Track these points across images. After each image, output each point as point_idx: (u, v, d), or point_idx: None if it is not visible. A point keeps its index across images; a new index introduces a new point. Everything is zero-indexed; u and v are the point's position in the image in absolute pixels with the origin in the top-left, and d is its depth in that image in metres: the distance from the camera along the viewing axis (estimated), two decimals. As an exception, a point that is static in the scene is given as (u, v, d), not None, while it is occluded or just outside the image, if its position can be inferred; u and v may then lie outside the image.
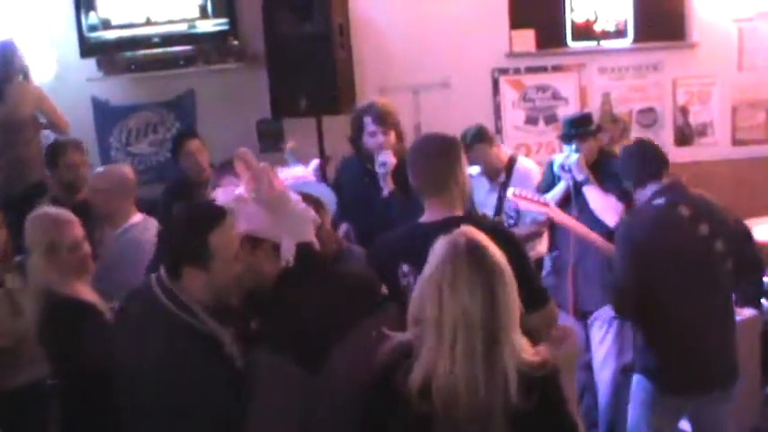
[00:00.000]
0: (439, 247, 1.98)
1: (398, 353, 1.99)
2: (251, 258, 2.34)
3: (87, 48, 5.68)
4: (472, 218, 2.86)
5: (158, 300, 2.21)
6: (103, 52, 5.72)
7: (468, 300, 1.88)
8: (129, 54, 5.73)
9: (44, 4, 5.86)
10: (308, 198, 2.52)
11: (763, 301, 4.33)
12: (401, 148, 3.94)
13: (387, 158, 3.82)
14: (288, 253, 2.29)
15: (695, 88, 5.72)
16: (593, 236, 3.92)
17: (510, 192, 4.03)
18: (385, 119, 3.92)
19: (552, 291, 4.00)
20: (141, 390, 2.17)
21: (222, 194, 2.44)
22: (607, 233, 3.85)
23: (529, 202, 3.99)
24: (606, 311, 4.13)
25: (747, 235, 3.44)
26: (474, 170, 4.26)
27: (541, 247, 4.47)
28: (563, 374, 2.29)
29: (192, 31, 5.64)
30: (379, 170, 3.83)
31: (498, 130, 5.74)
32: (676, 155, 5.70)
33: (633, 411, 3.43)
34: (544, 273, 4.36)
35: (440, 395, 1.88)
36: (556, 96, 5.77)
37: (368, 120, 3.94)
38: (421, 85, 5.76)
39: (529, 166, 4.59)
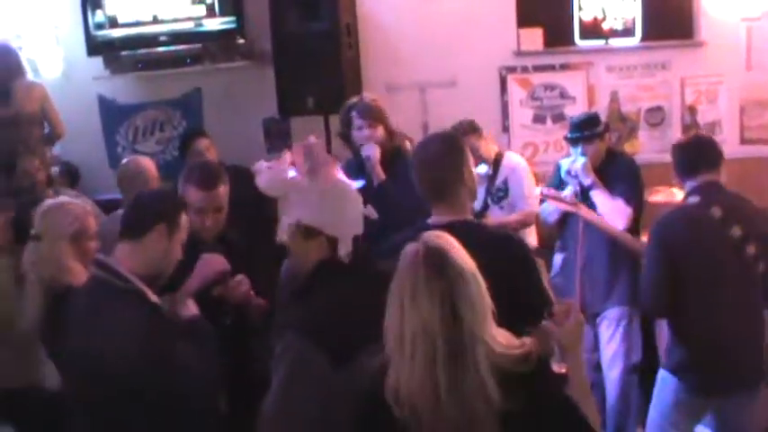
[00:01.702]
0: (402, 256, 1.93)
1: (384, 362, 1.96)
2: (300, 246, 2.29)
3: (94, 46, 5.68)
4: (476, 222, 2.82)
5: (94, 276, 2.57)
6: (110, 50, 5.71)
7: (427, 309, 1.84)
8: (135, 52, 5.72)
9: (51, 3, 5.87)
10: None
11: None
12: (391, 142, 3.93)
13: (370, 152, 3.83)
14: (346, 249, 2.23)
15: (703, 87, 5.69)
16: (621, 233, 3.98)
17: (538, 190, 4.15)
18: (370, 112, 3.90)
19: (560, 291, 4.01)
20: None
21: (266, 169, 2.33)
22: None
23: (557, 201, 4.09)
24: (613, 311, 4.14)
25: None
26: (482, 169, 4.25)
27: (531, 238, 4.46)
28: (569, 352, 2.23)
29: (199, 29, 5.64)
30: (366, 163, 3.84)
31: (506, 129, 5.73)
32: (684, 154, 5.71)
33: (656, 408, 3.40)
34: (552, 273, 4.36)
35: (405, 405, 1.86)
36: (563, 95, 5.74)
37: (354, 114, 3.94)
38: (428, 84, 5.74)
39: (516, 160, 4.59)
